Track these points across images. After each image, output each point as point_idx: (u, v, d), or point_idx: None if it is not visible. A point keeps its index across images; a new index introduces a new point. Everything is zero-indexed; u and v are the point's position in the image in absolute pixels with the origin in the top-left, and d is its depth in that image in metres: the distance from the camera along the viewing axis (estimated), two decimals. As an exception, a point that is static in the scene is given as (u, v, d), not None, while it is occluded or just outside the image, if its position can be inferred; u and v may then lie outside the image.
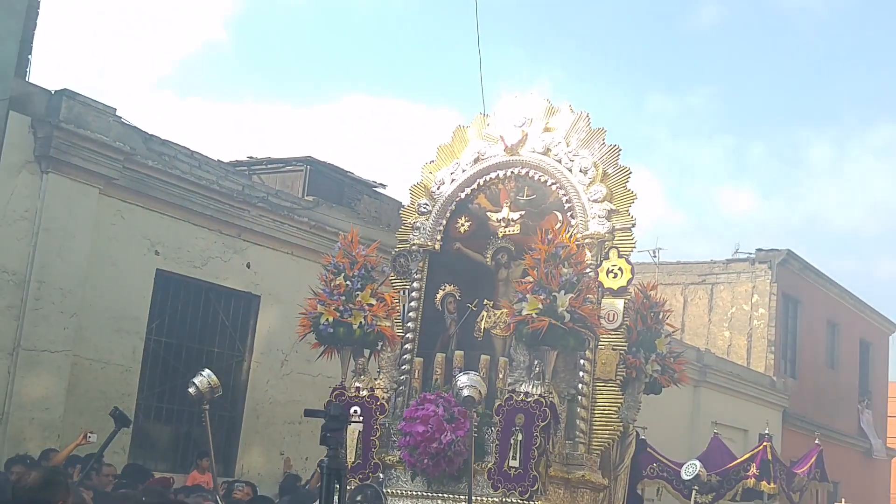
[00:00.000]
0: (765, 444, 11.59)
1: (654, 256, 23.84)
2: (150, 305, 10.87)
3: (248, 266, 11.91)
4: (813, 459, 12.36)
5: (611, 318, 7.58)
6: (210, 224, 11.48)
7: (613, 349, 7.57)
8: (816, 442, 12.79)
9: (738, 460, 11.65)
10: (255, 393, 12.02)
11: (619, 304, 7.61)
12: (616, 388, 7.57)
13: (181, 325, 11.32)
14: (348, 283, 7.64)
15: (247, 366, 11.94)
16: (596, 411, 7.54)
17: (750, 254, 24.63)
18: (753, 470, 11.37)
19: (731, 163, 56.17)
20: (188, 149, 11.65)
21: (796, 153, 55.88)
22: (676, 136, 56.10)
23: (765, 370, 23.59)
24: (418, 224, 8.34)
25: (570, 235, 7.33)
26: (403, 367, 8.03)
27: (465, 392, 6.38)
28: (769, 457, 11.44)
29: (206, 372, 7.09)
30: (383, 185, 15.11)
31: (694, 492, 8.90)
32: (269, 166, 14.81)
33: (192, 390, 7.06)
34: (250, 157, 15.24)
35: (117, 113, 10.70)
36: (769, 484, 11.39)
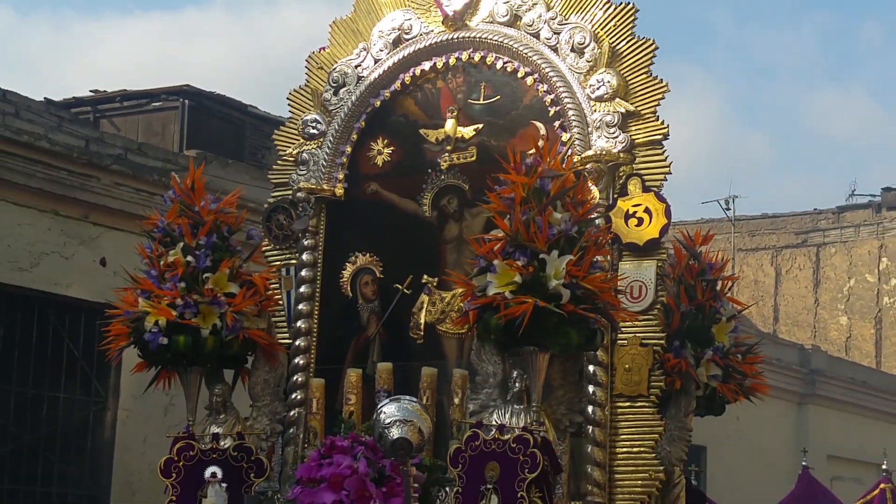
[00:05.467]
0: (882, 485, 11.59)
1: (728, 208, 24.14)
2: (-45, 334, 11.02)
3: (103, 263, 12.02)
4: None
5: (636, 294, 7.50)
6: (39, 202, 11.58)
7: (643, 345, 7.49)
8: None
9: None
10: (127, 457, 12.19)
11: (649, 268, 7.53)
12: (651, 409, 7.48)
13: (6, 362, 11.45)
14: (190, 259, 7.48)
15: (111, 417, 12.14)
16: (619, 450, 7.48)
17: (873, 196, 24.91)
18: None
19: (830, 53, 55.97)
20: None
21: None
22: (745, 18, 55.73)
23: (904, 372, 23.93)
24: (306, 155, 8.29)
25: (564, 156, 7.20)
26: (294, 397, 7.98)
27: (395, 432, 6.25)
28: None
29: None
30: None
31: None
32: (125, 104, 15.29)
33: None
34: (95, 93, 15.66)
35: None
36: None
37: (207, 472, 7.29)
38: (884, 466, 12.36)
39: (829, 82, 55.24)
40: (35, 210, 11.55)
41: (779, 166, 51.56)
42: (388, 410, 6.29)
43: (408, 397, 6.53)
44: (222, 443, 7.48)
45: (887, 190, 24.94)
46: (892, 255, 24.47)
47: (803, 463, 12.99)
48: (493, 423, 6.93)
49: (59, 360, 11.85)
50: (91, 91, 15.63)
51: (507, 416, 6.99)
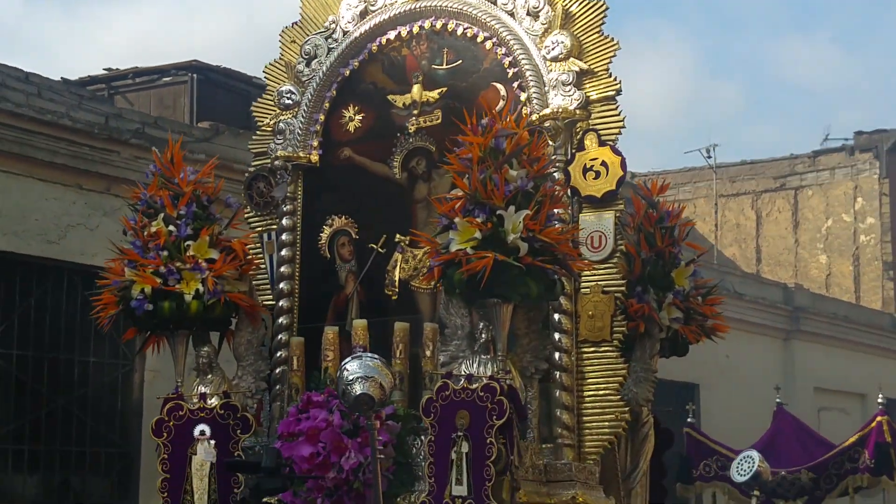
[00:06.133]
0: (878, 418, 11.10)
1: (709, 156, 23.57)
2: (-11, 305, 10.82)
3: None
4: None
5: (596, 244, 7.22)
6: (64, 177, 11.32)
7: (605, 292, 7.20)
8: None
9: (842, 445, 11.16)
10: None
11: (608, 219, 7.24)
12: (614, 354, 7.20)
13: (38, 330, 11.24)
14: (171, 228, 7.27)
15: (139, 378, 11.87)
16: (586, 393, 7.20)
17: (846, 139, 24.37)
18: (865, 458, 10.89)
19: (795, 3, 54.64)
20: (21, 70, 11.43)
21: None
22: None
23: (882, 306, 23.41)
24: (282, 125, 8.04)
25: (519, 115, 6.98)
26: (279, 355, 7.72)
27: (357, 388, 5.84)
28: (887, 437, 10.93)
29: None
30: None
31: (754, 499, 8.50)
32: (137, 81, 15.08)
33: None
34: (108, 71, 15.45)
35: None
36: (893, 479, 10.91)
37: (196, 431, 7.12)
38: (879, 400, 11.85)
39: (794, 31, 54.11)
40: (60, 185, 11.26)
41: (752, 114, 50.65)
42: (351, 368, 5.88)
43: (369, 354, 6.14)
44: (209, 402, 7.23)
45: (859, 133, 24.32)
46: (866, 195, 23.89)
47: (777, 399, 12.51)
48: (462, 373, 6.69)
49: (87, 326, 11.32)
50: (105, 69, 15.44)
51: (474, 365, 6.75)
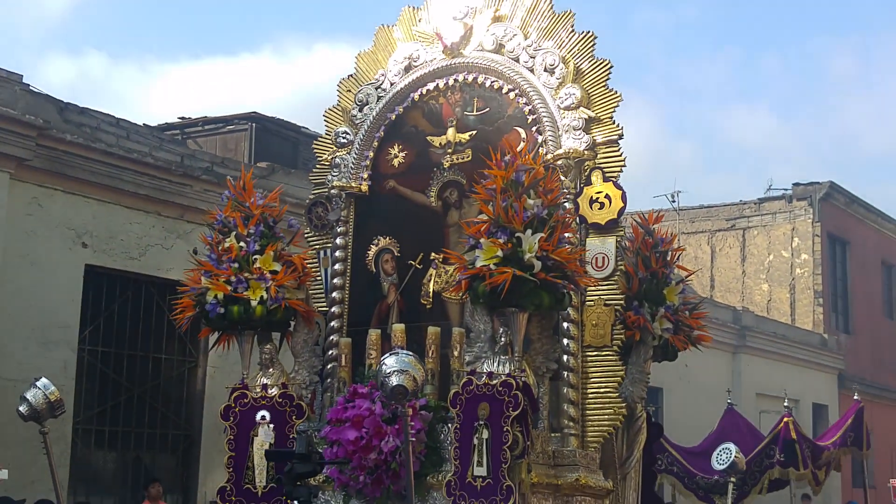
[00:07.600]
0: (784, 419, 10.63)
1: (673, 201, 23.20)
2: (80, 309, 10.52)
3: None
4: (850, 421, 11.44)
5: (600, 264, 6.83)
6: (146, 205, 11.14)
7: (606, 305, 6.81)
8: (856, 398, 11.82)
9: (760, 446, 10.67)
10: (215, 405, 11.49)
11: (610, 243, 6.86)
12: (614, 357, 6.81)
13: (120, 331, 11.00)
14: (242, 244, 6.90)
15: (202, 373, 11.57)
16: (589, 390, 6.81)
17: (785, 189, 23.83)
18: (777, 455, 10.39)
19: (739, 79, 54.44)
20: (112, 116, 11.23)
21: (815, 65, 53.89)
22: (672, 52, 54.10)
23: (813, 327, 22.85)
24: (338, 160, 7.68)
25: (535, 154, 6.67)
26: (330, 353, 7.30)
27: (394, 380, 5.45)
28: (793, 435, 10.45)
29: (42, 382, 6.19)
30: (348, 141, 15.51)
31: (730, 485, 7.96)
32: (206, 128, 14.82)
33: (23, 408, 6.18)
34: (182, 119, 15.13)
35: (24, 80, 10.18)
36: (799, 469, 10.39)
37: (258, 416, 6.80)
38: (785, 404, 11.42)
39: (739, 102, 53.76)
40: (142, 212, 11.03)
41: (704, 168, 50.31)
42: (389, 362, 5.49)
43: (404, 351, 5.74)
44: (270, 391, 6.86)
45: (797, 185, 23.89)
46: (801, 236, 23.35)
47: (728, 401, 12.02)
48: (484, 370, 6.35)
49: (160, 328, 11.23)
50: (179, 118, 15.16)
51: (495, 364, 6.40)
